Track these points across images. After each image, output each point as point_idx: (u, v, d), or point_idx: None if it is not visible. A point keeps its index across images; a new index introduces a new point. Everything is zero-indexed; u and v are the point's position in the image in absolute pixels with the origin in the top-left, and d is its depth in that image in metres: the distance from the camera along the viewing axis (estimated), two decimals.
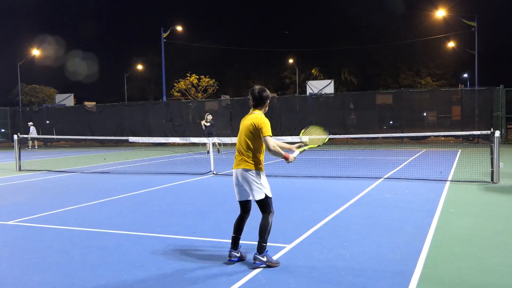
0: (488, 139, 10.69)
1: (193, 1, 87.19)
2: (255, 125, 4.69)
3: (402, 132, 23.17)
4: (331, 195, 8.91)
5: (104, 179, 12.41)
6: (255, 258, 4.61)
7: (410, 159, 15.53)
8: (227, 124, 28.24)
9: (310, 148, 5.33)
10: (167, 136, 26.75)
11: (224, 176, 12.31)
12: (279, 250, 5.19)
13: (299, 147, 5.13)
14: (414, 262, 4.67)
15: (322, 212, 7.15)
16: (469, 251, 5.06)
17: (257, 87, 4.91)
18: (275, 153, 4.68)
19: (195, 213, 7.46)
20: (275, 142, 4.79)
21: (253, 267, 4.60)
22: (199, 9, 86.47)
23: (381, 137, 22.35)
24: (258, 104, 4.84)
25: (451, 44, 45.78)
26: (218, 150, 20.32)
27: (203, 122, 20.45)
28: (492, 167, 9.97)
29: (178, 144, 25.53)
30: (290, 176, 11.56)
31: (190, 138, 17.89)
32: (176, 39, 44.00)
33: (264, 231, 4.67)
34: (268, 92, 4.93)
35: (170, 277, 4.44)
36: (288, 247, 5.31)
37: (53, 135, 29.42)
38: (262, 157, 4.82)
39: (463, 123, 24.66)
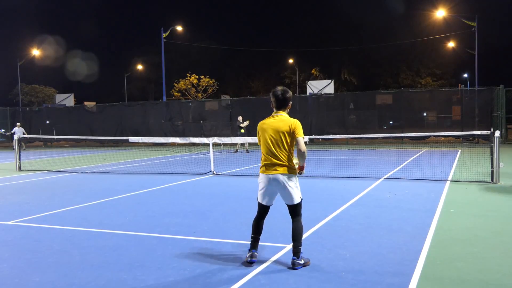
0: (488, 139, 10.69)
1: (193, 1, 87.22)
2: (290, 127, 4.65)
3: (402, 132, 23.16)
4: (331, 195, 8.91)
5: (104, 179, 12.41)
6: (294, 263, 4.57)
7: (410, 159, 15.53)
8: (227, 124, 28.26)
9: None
10: (167, 136, 26.76)
11: (224, 176, 12.31)
12: (279, 250, 5.19)
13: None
14: (414, 262, 4.67)
15: (322, 212, 7.15)
16: (469, 251, 5.06)
17: (279, 88, 4.85)
18: (303, 156, 4.67)
19: (195, 213, 7.46)
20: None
21: (292, 267, 4.58)
22: (199, 9, 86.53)
23: (381, 137, 22.35)
24: (282, 106, 4.79)
25: (451, 44, 45.80)
26: (247, 150, 20.58)
27: (242, 124, 20.66)
28: (492, 167, 9.97)
29: (178, 144, 25.52)
30: None
31: (190, 138, 17.90)
32: (176, 39, 44.04)
33: (300, 235, 4.68)
34: (290, 92, 4.87)
35: (170, 277, 4.44)
36: (288, 247, 5.30)
37: (53, 135, 29.41)
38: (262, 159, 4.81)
39: (463, 123, 24.66)
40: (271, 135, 4.69)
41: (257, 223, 4.87)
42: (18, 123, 27.55)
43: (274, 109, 4.83)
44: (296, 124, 4.69)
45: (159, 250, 5.34)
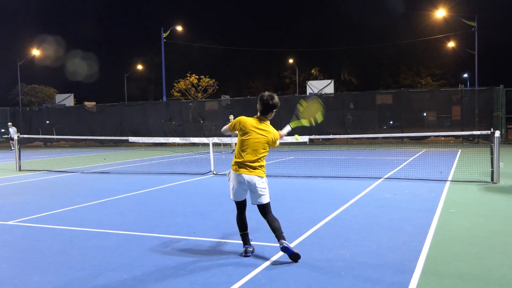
0: (488, 139, 10.69)
1: (193, 1, 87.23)
2: (273, 138, 5.00)
3: (402, 132, 23.17)
4: (331, 195, 8.91)
5: (104, 179, 12.41)
6: (287, 248, 4.74)
7: (410, 159, 15.53)
8: (227, 124, 28.23)
9: (301, 124, 5.61)
10: (167, 136, 26.76)
11: (224, 176, 12.28)
12: (279, 250, 5.18)
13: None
14: (414, 262, 4.67)
15: (322, 212, 7.15)
16: (469, 251, 5.06)
17: (267, 93, 5.03)
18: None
19: (195, 213, 7.46)
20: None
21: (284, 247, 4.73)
22: (199, 9, 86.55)
23: (381, 137, 22.36)
24: (267, 112, 5.03)
25: (451, 44, 45.79)
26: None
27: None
28: (492, 167, 9.97)
29: (178, 144, 25.52)
30: (290, 176, 11.56)
31: (190, 138, 17.90)
32: (176, 39, 44.04)
33: (279, 224, 4.93)
34: (277, 100, 5.04)
35: (170, 277, 4.44)
36: None
37: (53, 135, 29.41)
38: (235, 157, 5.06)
39: (463, 123, 24.67)
40: (255, 139, 4.92)
41: (240, 219, 5.11)
42: (9, 123, 27.52)
43: (259, 113, 5.04)
44: (277, 135, 5.10)
45: (159, 250, 5.34)
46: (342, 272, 4.47)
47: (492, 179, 9.91)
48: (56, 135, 29.00)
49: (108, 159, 18.58)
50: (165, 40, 35.51)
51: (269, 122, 5.07)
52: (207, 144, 14.00)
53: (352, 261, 4.76)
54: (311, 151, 20.03)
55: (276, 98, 5.02)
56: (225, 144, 21.96)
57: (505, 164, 11.11)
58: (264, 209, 4.98)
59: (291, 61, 59.06)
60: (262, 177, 4.94)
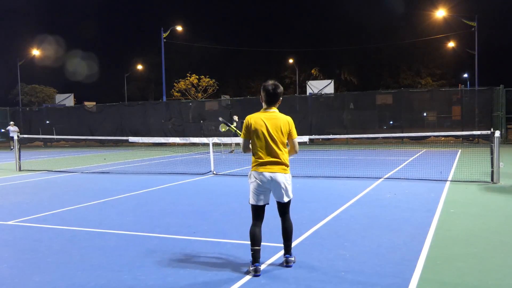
0: (488, 139, 10.69)
1: (193, 1, 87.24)
2: (289, 126, 4.60)
3: (402, 132, 23.17)
4: (331, 195, 8.91)
5: (104, 179, 12.41)
6: (288, 261, 4.60)
7: (410, 159, 15.53)
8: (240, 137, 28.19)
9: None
10: (167, 136, 26.76)
11: (224, 176, 12.31)
12: (279, 250, 5.18)
13: None
14: (414, 262, 4.67)
15: (322, 212, 7.15)
16: (469, 251, 5.06)
17: (270, 82, 4.70)
18: (293, 155, 4.79)
19: (195, 213, 7.46)
20: None
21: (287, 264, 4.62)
22: (199, 9, 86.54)
23: (381, 137, 22.36)
24: (273, 101, 4.69)
25: (451, 44, 45.79)
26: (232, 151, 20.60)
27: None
28: (492, 167, 9.96)
29: (178, 144, 25.52)
30: None
31: (190, 138, 17.90)
32: (176, 39, 44.05)
33: (292, 232, 4.70)
34: (281, 88, 4.77)
35: (170, 277, 4.44)
36: None
37: (53, 135, 29.41)
38: (253, 157, 4.65)
39: (463, 123, 24.66)
40: (270, 132, 4.52)
41: (256, 232, 4.50)
42: (11, 122, 27.53)
43: (265, 104, 4.69)
44: (292, 123, 4.69)
45: (159, 250, 5.33)
46: (342, 272, 4.46)
47: (492, 179, 9.91)
48: (56, 135, 29.00)
49: (108, 159, 18.58)
50: (165, 40, 35.51)
51: (276, 109, 4.71)
52: (207, 144, 14.00)
53: (352, 261, 4.75)
54: (311, 151, 20.01)
55: (281, 87, 4.73)
56: (225, 144, 21.95)
57: (505, 164, 11.11)
58: (284, 208, 4.70)
59: (291, 61, 59.07)
60: (288, 174, 4.61)
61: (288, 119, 4.67)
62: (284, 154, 4.58)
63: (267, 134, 4.53)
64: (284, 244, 4.68)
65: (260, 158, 4.54)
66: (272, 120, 4.59)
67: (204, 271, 4.57)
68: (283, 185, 4.54)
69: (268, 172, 4.49)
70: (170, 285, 4.24)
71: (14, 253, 5.47)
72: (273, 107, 4.69)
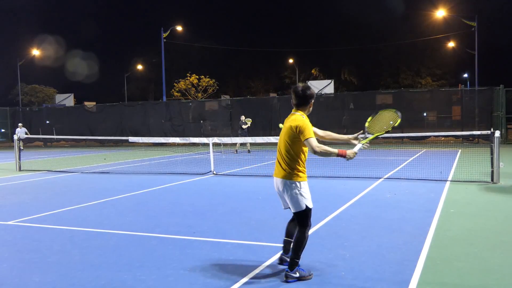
0: (488, 139, 10.69)
1: (193, 1, 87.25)
2: (294, 128, 4.23)
3: (402, 132, 23.12)
4: (331, 195, 8.91)
5: (104, 179, 12.41)
6: (286, 276, 4.25)
7: (410, 159, 15.53)
8: (227, 124, 28.26)
9: (376, 136, 4.69)
10: (167, 136, 26.77)
11: (224, 176, 12.31)
12: (279, 250, 5.18)
13: (357, 138, 4.64)
14: (414, 262, 4.67)
15: (322, 212, 7.15)
16: (469, 251, 5.06)
17: (300, 85, 4.43)
18: (324, 154, 4.16)
19: (195, 213, 7.46)
20: (324, 133, 4.61)
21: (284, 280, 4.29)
22: (199, 9, 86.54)
23: (381, 137, 22.32)
24: (300, 104, 4.38)
25: (451, 44, 45.78)
26: (249, 150, 20.53)
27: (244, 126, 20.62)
28: (492, 167, 9.96)
29: (178, 144, 25.53)
30: None
31: (190, 138, 17.89)
32: (176, 39, 44.06)
33: (299, 247, 4.28)
34: (312, 90, 4.44)
35: (170, 277, 4.43)
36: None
37: (53, 135, 29.41)
38: (303, 164, 4.36)
39: (463, 123, 24.65)
40: (280, 136, 4.42)
41: (290, 224, 4.61)
42: (20, 124, 27.54)
43: (294, 107, 4.47)
44: (303, 124, 4.23)
45: (159, 250, 5.33)
46: (342, 272, 4.46)
47: (492, 179, 9.91)
48: (56, 135, 28.99)
49: (108, 159, 18.58)
50: (165, 40, 35.50)
51: (301, 113, 4.38)
52: (207, 144, 13.99)
53: (352, 261, 4.75)
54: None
55: (311, 89, 4.44)
56: (225, 144, 21.95)
57: (505, 164, 11.10)
58: (296, 217, 4.38)
59: (291, 61, 59.07)
60: (287, 180, 4.29)
61: (296, 119, 4.31)
62: (289, 159, 4.30)
63: (280, 139, 4.47)
64: (290, 248, 4.45)
65: (276, 163, 4.50)
66: (286, 123, 4.43)
67: (204, 271, 4.57)
68: (284, 192, 4.35)
69: (274, 177, 4.47)
70: (170, 285, 4.24)
71: (14, 253, 5.47)
72: (299, 110, 4.41)
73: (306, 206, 4.27)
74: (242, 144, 21.12)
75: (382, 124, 4.85)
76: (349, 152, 4.26)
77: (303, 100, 4.37)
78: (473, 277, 4.28)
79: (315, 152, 4.18)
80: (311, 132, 4.23)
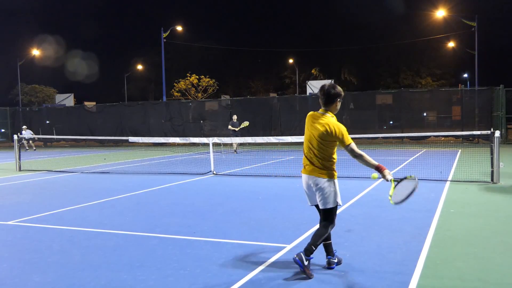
0: (488, 139, 10.69)
1: (193, 1, 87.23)
2: (331, 132, 4.31)
3: (402, 132, 23.15)
4: None
5: (104, 179, 12.41)
6: (299, 255, 4.27)
7: (410, 159, 15.53)
8: (227, 124, 28.23)
9: (393, 188, 4.56)
10: (167, 136, 26.76)
11: (224, 176, 12.31)
12: (279, 250, 5.19)
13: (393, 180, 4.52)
14: (414, 262, 4.67)
15: None
16: (469, 251, 5.06)
17: (327, 83, 4.53)
18: (364, 161, 4.36)
19: (195, 213, 7.46)
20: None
21: (294, 260, 4.31)
22: (199, 9, 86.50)
23: (381, 137, 22.35)
24: (327, 103, 4.44)
25: (451, 44, 45.79)
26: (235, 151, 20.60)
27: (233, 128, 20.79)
28: (492, 167, 9.96)
29: (178, 144, 25.53)
30: (290, 176, 11.55)
31: (190, 138, 17.89)
32: (176, 39, 44.07)
33: (319, 236, 4.37)
34: (338, 89, 4.47)
35: (170, 277, 4.44)
36: (288, 247, 5.31)
37: (53, 135, 29.41)
38: (334, 162, 4.49)
39: (463, 123, 24.66)
40: (311, 135, 4.46)
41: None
42: (24, 126, 27.61)
43: (322, 106, 4.52)
44: (340, 129, 4.34)
45: (159, 250, 5.33)
46: (342, 272, 4.46)
47: (492, 179, 9.91)
48: (56, 135, 28.99)
49: (108, 159, 18.58)
50: (165, 40, 35.50)
51: (330, 114, 4.46)
52: (207, 144, 13.99)
53: (352, 261, 4.75)
54: None
55: (338, 88, 4.48)
56: (225, 144, 21.95)
57: (505, 164, 11.11)
58: (323, 214, 4.50)
59: (291, 61, 59.08)
60: (324, 178, 4.40)
61: (331, 123, 4.38)
62: (322, 159, 4.43)
63: (309, 137, 4.52)
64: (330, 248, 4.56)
65: (304, 161, 4.57)
66: (317, 124, 4.46)
67: (204, 271, 4.57)
68: (316, 189, 4.49)
69: (305, 175, 4.55)
70: (170, 285, 4.24)
71: (14, 253, 5.47)
72: (328, 111, 4.49)
73: (337, 202, 4.47)
74: (241, 144, 21.18)
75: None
76: (388, 172, 4.39)
77: (329, 99, 4.45)
78: (473, 277, 4.28)
79: (356, 156, 4.37)
80: (349, 137, 4.40)
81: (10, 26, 73.52)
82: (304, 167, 4.54)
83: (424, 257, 4.85)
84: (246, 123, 20.67)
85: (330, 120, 4.40)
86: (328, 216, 4.47)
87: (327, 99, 4.45)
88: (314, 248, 4.33)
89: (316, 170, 4.44)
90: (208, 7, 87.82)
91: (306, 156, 4.55)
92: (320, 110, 4.53)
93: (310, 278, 4.29)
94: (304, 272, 4.30)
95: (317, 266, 4.65)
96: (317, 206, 4.59)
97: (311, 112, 4.59)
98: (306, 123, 4.58)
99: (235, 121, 21.27)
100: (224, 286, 4.17)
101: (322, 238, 4.40)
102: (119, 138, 24.18)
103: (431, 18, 40.54)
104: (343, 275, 4.38)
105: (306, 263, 4.28)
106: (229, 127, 21.13)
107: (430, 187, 9.45)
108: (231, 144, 20.71)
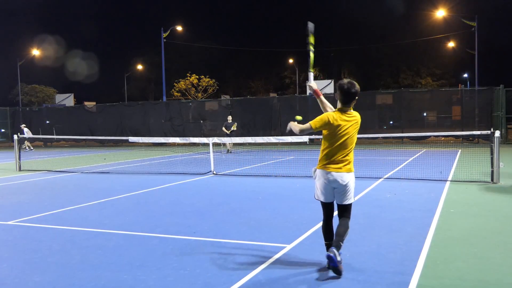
0: (488, 139, 10.69)
1: (193, 1, 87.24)
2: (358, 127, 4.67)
3: (402, 132, 23.17)
4: None
5: (104, 179, 12.41)
6: (332, 251, 4.26)
7: (410, 159, 15.53)
8: (227, 124, 28.23)
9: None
10: (167, 136, 26.77)
11: (224, 176, 12.31)
12: (279, 250, 5.19)
13: None
14: (414, 262, 4.67)
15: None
16: (469, 251, 5.06)
17: (345, 81, 4.58)
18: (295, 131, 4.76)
19: (195, 213, 7.46)
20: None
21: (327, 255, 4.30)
22: (199, 9, 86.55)
23: (381, 137, 22.36)
24: (350, 101, 4.61)
25: (451, 44, 45.78)
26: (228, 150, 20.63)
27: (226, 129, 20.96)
28: (492, 167, 9.96)
29: (178, 144, 25.53)
30: (290, 176, 11.56)
31: (190, 138, 17.89)
32: (176, 39, 44.01)
33: (344, 234, 4.49)
34: (357, 86, 4.60)
35: (170, 277, 4.44)
36: (288, 247, 5.31)
37: (53, 135, 29.41)
38: None
39: (463, 123, 24.67)
40: (348, 133, 4.55)
41: (328, 227, 4.68)
42: (23, 125, 27.62)
43: (340, 104, 4.60)
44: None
45: (159, 250, 5.33)
46: (342, 272, 4.46)
47: (492, 179, 9.91)
48: (56, 135, 28.98)
49: (108, 159, 18.58)
50: (165, 40, 35.50)
51: (352, 109, 4.65)
52: (207, 144, 13.99)
53: (352, 261, 4.75)
54: (311, 151, 20.00)
55: (357, 85, 4.57)
56: (225, 144, 21.96)
57: (505, 164, 11.10)
58: (346, 210, 4.64)
59: (291, 61, 59.08)
60: (353, 174, 4.61)
61: (359, 120, 4.71)
62: (352, 155, 4.70)
63: (346, 136, 4.54)
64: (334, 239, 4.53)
65: (338, 159, 4.58)
66: (350, 122, 4.59)
67: (204, 271, 4.57)
68: (349, 185, 4.62)
69: (340, 172, 4.55)
70: (170, 285, 4.24)
71: (14, 253, 5.47)
72: (351, 107, 4.65)
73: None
74: (241, 144, 21.21)
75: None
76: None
77: (351, 97, 4.59)
78: (473, 277, 4.28)
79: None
80: (316, 120, 4.60)
81: (10, 26, 73.51)
82: (340, 168, 4.51)
83: (424, 257, 4.85)
84: (234, 126, 20.94)
85: (358, 116, 4.65)
86: (350, 210, 4.69)
87: (352, 96, 4.56)
88: (342, 244, 4.41)
89: (350, 167, 4.59)
90: (208, 7, 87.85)
91: (340, 155, 4.53)
92: (344, 108, 4.58)
93: (340, 275, 4.28)
94: (336, 269, 4.26)
95: (317, 266, 4.65)
96: (329, 204, 4.66)
97: (338, 113, 4.56)
98: (338, 122, 4.50)
99: (230, 121, 21.33)
100: (224, 286, 4.17)
101: (347, 232, 4.53)
102: (119, 138, 24.16)
103: (431, 18, 40.56)
104: (343, 275, 4.37)
105: (339, 258, 4.28)
106: (223, 128, 21.27)
107: (430, 187, 9.45)
108: (225, 144, 20.77)
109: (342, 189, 4.55)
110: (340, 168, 4.53)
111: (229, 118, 21.64)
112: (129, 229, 6.41)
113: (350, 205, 4.67)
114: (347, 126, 4.53)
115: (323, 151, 4.60)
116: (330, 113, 4.59)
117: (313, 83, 5.04)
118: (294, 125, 4.69)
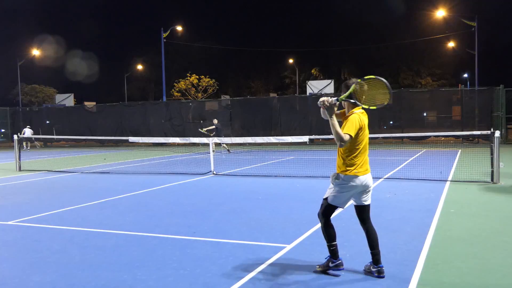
0: (488, 139, 10.69)
1: (193, 1, 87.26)
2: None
3: (402, 132, 23.18)
4: None
5: (104, 179, 12.41)
6: (369, 270, 4.33)
7: (410, 159, 15.53)
8: (227, 124, 28.25)
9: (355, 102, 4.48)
10: (167, 136, 26.77)
11: (224, 176, 12.31)
12: (279, 250, 5.19)
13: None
14: (414, 262, 4.67)
15: None
16: (469, 251, 5.06)
17: (353, 80, 4.52)
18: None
19: (195, 213, 7.46)
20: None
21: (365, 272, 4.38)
22: (199, 9, 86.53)
23: (381, 137, 22.36)
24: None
25: (451, 44, 45.78)
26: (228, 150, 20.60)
27: (206, 129, 20.90)
28: (492, 167, 9.96)
29: (178, 144, 25.53)
30: (290, 176, 11.56)
31: (190, 138, 17.89)
32: (176, 39, 44.06)
33: (377, 241, 4.46)
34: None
35: (170, 277, 4.44)
36: (288, 247, 5.31)
37: (53, 135, 29.41)
38: None
39: (463, 123, 24.66)
40: (367, 134, 4.61)
41: (331, 229, 4.59)
42: (28, 126, 27.73)
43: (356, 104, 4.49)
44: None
45: (159, 250, 5.33)
46: (342, 272, 4.46)
47: (492, 179, 9.91)
48: (56, 135, 28.99)
49: (108, 159, 18.58)
50: (165, 40, 35.51)
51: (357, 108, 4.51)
52: (207, 144, 13.99)
53: (352, 261, 4.75)
54: (311, 151, 20.01)
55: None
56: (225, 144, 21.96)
57: (505, 164, 11.10)
58: (367, 211, 4.62)
59: (291, 61, 59.07)
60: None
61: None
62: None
63: (367, 137, 4.57)
64: (371, 250, 4.44)
65: (360, 159, 4.53)
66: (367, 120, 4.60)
67: (204, 271, 4.57)
68: (370, 187, 4.62)
69: (368, 174, 4.57)
70: (170, 285, 4.24)
71: (14, 253, 5.47)
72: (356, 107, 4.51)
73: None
74: (241, 144, 21.19)
75: (371, 96, 4.56)
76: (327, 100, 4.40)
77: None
78: (473, 277, 4.28)
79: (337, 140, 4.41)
80: (349, 128, 4.46)
81: (10, 26, 73.52)
82: (367, 168, 4.54)
83: (424, 257, 4.85)
84: (204, 130, 21.10)
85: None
86: (369, 212, 4.62)
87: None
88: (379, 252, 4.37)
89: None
90: (208, 7, 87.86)
91: (366, 156, 4.56)
92: (357, 108, 4.48)
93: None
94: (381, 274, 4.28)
95: (316, 266, 4.65)
96: (340, 207, 4.69)
97: (361, 114, 4.49)
98: (363, 122, 4.48)
99: (215, 123, 21.16)
100: (224, 286, 4.17)
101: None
102: (119, 138, 24.17)
103: (431, 18, 40.61)
104: (343, 275, 4.38)
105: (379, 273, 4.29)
106: (210, 133, 20.99)
107: (430, 187, 9.45)
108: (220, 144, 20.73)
109: (367, 189, 4.53)
110: (367, 169, 4.52)
111: (215, 121, 21.61)
112: (129, 229, 6.41)
113: (369, 205, 4.65)
114: (367, 125, 4.55)
115: (356, 156, 4.42)
116: (356, 116, 4.41)
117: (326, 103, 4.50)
118: (337, 128, 4.36)
